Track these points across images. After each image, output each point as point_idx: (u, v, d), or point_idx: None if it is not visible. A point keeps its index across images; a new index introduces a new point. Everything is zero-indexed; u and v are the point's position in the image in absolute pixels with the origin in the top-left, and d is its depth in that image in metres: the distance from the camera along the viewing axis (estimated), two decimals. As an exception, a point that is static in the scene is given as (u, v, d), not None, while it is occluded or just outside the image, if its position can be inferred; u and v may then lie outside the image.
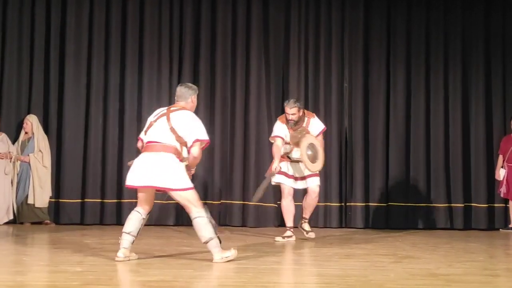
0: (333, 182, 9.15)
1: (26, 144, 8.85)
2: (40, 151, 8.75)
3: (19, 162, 8.82)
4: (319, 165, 7.20)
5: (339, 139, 9.29)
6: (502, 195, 9.14)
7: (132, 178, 5.34)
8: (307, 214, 7.42)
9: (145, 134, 5.41)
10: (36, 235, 7.63)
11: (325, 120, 9.20)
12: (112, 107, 9.11)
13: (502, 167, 9.16)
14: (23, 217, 8.72)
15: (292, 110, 7.17)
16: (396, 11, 9.45)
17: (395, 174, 9.26)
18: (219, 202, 9.08)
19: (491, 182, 9.27)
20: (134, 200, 8.77)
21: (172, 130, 5.29)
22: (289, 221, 7.27)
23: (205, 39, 9.27)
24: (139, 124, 9.11)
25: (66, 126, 9.01)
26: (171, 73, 9.23)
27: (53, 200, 8.85)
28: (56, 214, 8.86)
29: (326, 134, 9.08)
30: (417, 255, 6.14)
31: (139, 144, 5.49)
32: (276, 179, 7.23)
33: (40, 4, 9.08)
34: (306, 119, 7.30)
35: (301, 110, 7.28)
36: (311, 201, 7.34)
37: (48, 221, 8.78)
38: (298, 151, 7.15)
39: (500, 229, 9.10)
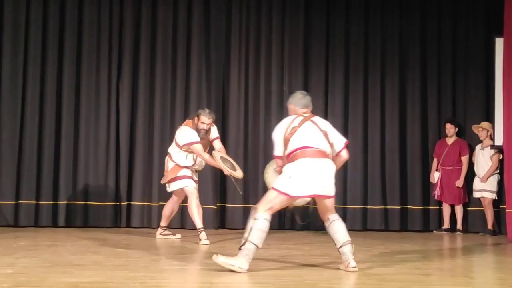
0: (272, 184, 9.20)
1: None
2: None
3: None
4: (239, 170, 7.36)
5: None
6: (436, 198, 9.38)
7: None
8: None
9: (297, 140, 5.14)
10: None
11: (265, 123, 9.28)
12: (49, 107, 8.94)
13: (436, 170, 9.41)
14: None
15: (210, 120, 7.32)
16: (335, 16, 9.58)
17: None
18: (158, 204, 9.02)
19: (426, 185, 9.50)
20: (72, 202, 8.82)
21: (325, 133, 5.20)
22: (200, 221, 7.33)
23: (145, 41, 9.20)
24: (76, 125, 9.01)
25: (0, 125, 8.79)
26: (110, 75, 9.12)
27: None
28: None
29: (266, 137, 9.19)
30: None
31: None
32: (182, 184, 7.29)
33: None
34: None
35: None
36: None
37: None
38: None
39: (434, 231, 9.33)
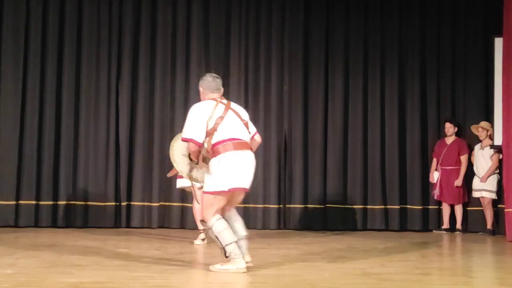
0: (272, 184, 9.22)
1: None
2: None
3: None
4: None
5: (279, 141, 9.36)
6: (435, 197, 9.39)
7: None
8: None
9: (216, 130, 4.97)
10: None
11: (265, 123, 9.29)
12: (49, 108, 8.94)
13: (436, 170, 9.42)
14: None
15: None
16: (335, 16, 9.59)
17: (333, 177, 9.38)
18: (158, 204, 9.03)
19: (426, 185, 9.51)
20: (72, 202, 8.83)
21: (246, 124, 5.13)
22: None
23: (145, 41, 9.20)
24: (76, 125, 9.01)
25: (0, 126, 8.80)
26: (110, 75, 9.12)
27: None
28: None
29: (266, 136, 9.20)
30: (351, 256, 6.26)
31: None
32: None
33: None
34: None
35: None
36: None
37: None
38: None
39: (434, 230, 9.34)
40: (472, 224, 9.40)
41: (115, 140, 9.07)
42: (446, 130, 9.41)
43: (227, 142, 4.94)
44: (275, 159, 9.28)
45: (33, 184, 8.77)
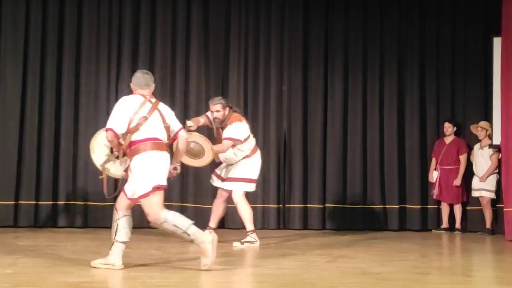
0: (272, 184, 9.22)
1: None
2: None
3: None
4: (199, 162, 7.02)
5: (278, 141, 9.37)
6: (434, 197, 9.39)
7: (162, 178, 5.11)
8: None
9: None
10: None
11: (264, 123, 9.29)
12: (48, 107, 8.94)
13: (435, 169, 9.42)
14: None
15: (215, 107, 7.03)
16: (334, 15, 9.59)
17: (332, 176, 9.38)
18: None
19: (425, 184, 9.51)
20: (72, 202, 8.82)
21: (167, 127, 5.18)
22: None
23: (144, 40, 9.20)
24: (76, 124, 9.00)
25: (0, 126, 8.80)
26: (109, 75, 9.12)
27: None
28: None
29: (265, 136, 9.21)
30: (351, 255, 6.27)
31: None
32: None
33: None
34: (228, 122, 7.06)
35: (226, 109, 7.07)
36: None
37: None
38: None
39: (433, 230, 9.34)
40: (471, 223, 9.40)
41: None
42: (445, 129, 9.42)
43: (147, 142, 5.02)
44: (275, 159, 9.28)
45: (32, 184, 8.76)
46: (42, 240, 7.07)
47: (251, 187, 7.20)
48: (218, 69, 9.38)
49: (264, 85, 9.42)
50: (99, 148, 5.41)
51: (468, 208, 9.41)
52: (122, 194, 5.18)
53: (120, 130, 5.03)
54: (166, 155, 5.12)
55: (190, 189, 9.09)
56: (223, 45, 9.40)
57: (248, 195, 7.32)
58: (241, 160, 7.10)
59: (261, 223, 9.13)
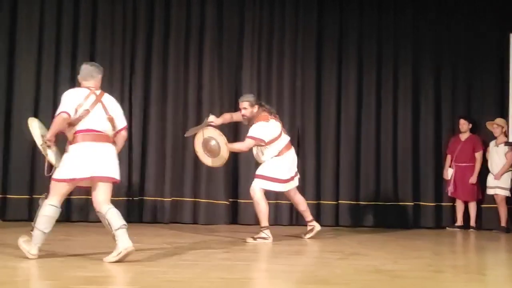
0: (285, 180, 9.20)
1: None
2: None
3: None
4: (216, 161, 7.01)
5: (291, 138, 9.32)
6: (449, 194, 9.34)
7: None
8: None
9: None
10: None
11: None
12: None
13: (450, 166, 9.36)
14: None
15: (242, 104, 7.04)
16: (348, 12, 9.56)
17: (345, 173, 9.36)
18: (170, 199, 9.05)
19: (439, 181, 9.46)
20: (85, 197, 8.85)
21: (110, 119, 5.29)
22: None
23: (158, 36, 9.19)
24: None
25: (14, 119, 8.83)
26: (123, 71, 9.12)
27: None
28: (2, 210, 8.67)
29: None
30: (363, 252, 6.24)
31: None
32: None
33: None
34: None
35: (254, 107, 7.04)
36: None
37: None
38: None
39: (447, 227, 9.30)
40: (486, 221, 9.34)
41: (128, 135, 9.06)
42: (460, 126, 9.36)
43: (87, 133, 5.16)
44: (288, 155, 9.25)
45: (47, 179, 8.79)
46: (56, 234, 7.06)
47: (274, 186, 7.09)
48: (231, 66, 9.37)
49: (277, 82, 9.40)
50: (36, 128, 5.45)
51: (483, 206, 9.36)
52: (51, 186, 5.27)
53: (72, 113, 5.13)
54: (106, 145, 5.21)
55: (202, 184, 9.10)
56: (237, 42, 9.38)
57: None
58: (269, 159, 7.04)
59: (273, 219, 9.11)
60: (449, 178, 9.32)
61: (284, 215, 9.20)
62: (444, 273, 5.27)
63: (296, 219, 9.24)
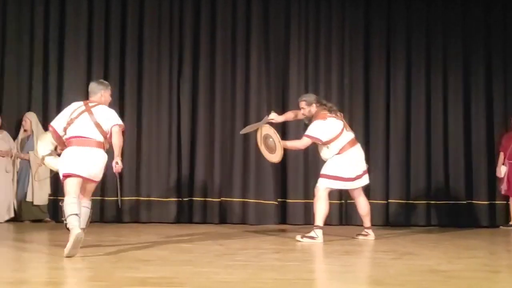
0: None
1: (26, 141, 8.85)
2: (39, 148, 8.74)
3: (19, 160, 8.82)
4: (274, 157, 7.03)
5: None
6: (503, 192, 9.12)
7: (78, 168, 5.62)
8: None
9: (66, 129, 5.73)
10: (35, 233, 7.63)
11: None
12: (113, 105, 9.04)
13: (503, 164, 9.14)
14: (23, 215, 8.73)
15: (300, 103, 7.08)
16: (396, 7, 9.44)
17: (395, 171, 9.24)
18: (219, 200, 9.08)
19: (493, 179, 9.25)
20: (135, 198, 8.95)
21: (97, 124, 5.69)
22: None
23: (205, 35, 9.26)
24: (139, 121, 9.13)
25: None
26: (171, 72, 9.22)
27: (52, 197, 8.83)
28: (55, 212, 8.82)
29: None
30: (417, 252, 6.13)
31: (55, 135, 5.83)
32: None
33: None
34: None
35: (313, 106, 7.02)
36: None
37: (48, 219, 8.78)
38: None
39: (501, 226, 9.09)
40: (541, 219, 9.10)
41: (177, 136, 9.16)
42: (513, 123, 9.15)
43: (72, 139, 5.71)
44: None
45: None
46: (107, 235, 7.18)
47: (338, 185, 7.02)
48: (278, 64, 9.35)
49: (325, 79, 9.34)
50: (45, 141, 6.18)
51: (538, 204, 9.11)
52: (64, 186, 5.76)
53: (58, 128, 5.78)
54: (91, 150, 5.66)
55: (251, 185, 9.09)
56: (283, 40, 9.36)
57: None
58: (331, 157, 6.98)
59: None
60: (502, 176, 9.10)
61: (334, 215, 9.11)
62: (501, 273, 5.15)
63: (345, 219, 9.16)
